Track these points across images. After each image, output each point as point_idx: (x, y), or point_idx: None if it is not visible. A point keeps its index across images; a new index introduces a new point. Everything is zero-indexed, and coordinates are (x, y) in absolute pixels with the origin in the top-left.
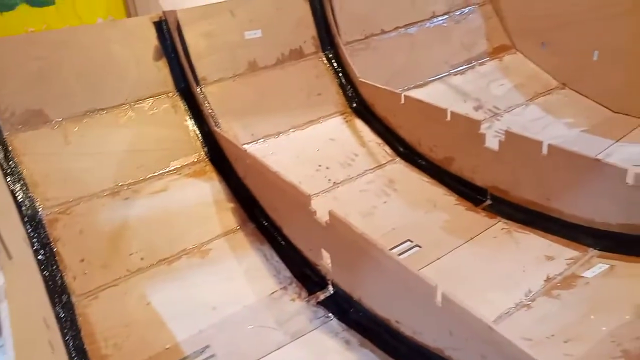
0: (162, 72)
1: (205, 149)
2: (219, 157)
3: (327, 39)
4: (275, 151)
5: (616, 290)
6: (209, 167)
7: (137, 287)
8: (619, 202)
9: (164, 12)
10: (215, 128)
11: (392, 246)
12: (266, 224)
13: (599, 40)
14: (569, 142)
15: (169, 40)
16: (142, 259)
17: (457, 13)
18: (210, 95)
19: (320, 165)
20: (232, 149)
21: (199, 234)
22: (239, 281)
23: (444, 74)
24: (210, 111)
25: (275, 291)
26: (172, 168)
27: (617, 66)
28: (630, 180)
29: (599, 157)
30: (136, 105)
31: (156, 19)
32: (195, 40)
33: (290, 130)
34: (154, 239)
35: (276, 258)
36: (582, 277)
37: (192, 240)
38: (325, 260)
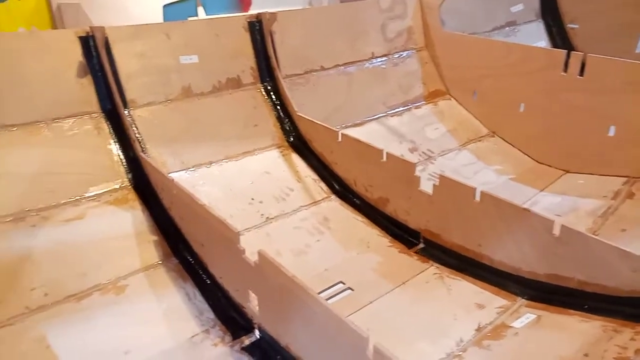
0: (85, 90)
1: (130, 175)
2: (144, 185)
3: (266, 71)
4: (206, 181)
5: (543, 342)
6: (132, 195)
7: (36, 327)
8: (545, 253)
9: (91, 28)
10: (142, 154)
11: (324, 288)
12: (191, 260)
13: (523, 94)
14: (498, 188)
15: (96, 57)
16: (45, 294)
17: (396, 56)
18: (139, 119)
19: (253, 199)
20: (158, 177)
21: (115, 268)
22: (156, 322)
23: (381, 115)
24: (137, 136)
25: (197, 334)
26: (92, 194)
27: (538, 120)
28: (556, 231)
29: (526, 206)
30: (54, 124)
31: (82, 34)
32: (125, 60)
33: (224, 160)
34: (62, 272)
35: (199, 298)
36: (512, 327)
37: (107, 275)
38: (252, 303)
